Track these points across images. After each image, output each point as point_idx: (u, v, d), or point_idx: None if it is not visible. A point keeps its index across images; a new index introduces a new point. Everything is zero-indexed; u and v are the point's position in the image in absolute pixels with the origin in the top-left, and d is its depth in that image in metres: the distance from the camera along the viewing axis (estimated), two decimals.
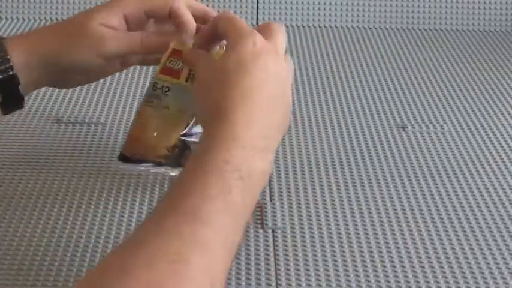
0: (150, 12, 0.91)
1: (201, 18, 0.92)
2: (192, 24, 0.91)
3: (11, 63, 0.87)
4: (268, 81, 0.78)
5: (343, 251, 0.86)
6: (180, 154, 0.90)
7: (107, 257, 0.66)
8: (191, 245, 0.65)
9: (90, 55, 0.89)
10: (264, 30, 0.81)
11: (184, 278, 0.63)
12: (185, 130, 0.89)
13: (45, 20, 1.53)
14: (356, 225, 0.91)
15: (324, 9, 1.57)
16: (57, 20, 1.53)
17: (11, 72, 0.86)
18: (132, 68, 1.16)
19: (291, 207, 0.94)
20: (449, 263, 0.85)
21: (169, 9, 0.91)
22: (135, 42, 0.90)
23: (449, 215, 0.94)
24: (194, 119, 0.89)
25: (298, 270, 0.83)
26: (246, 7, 1.56)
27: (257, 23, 1.55)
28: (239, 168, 0.72)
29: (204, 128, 0.79)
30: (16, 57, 0.87)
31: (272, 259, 0.85)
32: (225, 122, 0.74)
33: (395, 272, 0.83)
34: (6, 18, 1.53)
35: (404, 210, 0.95)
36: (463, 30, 1.57)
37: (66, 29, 0.90)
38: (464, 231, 0.91)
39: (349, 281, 0.82)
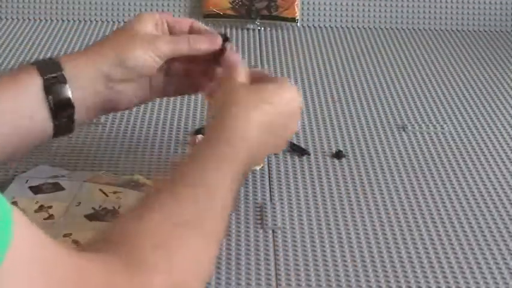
0: (173, 24, 0.98)
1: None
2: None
3: (63, 72, 0.90)
4: (282, 115, 0.91)
5: (343, 251, 0.86)
6: None
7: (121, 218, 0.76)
8: (203, 208, 0.77)
9: (145, 53, 0.92)
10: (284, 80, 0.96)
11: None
12: None
13: (45, 20, 1.53)
14: (356, 225, 0.91)
15: (324, 9, 1.57)
16: (57, 20, 1.53)
17: (63, 79, 0.90)
18: None
19: (291, 207, 0.94)
20: (449, 263, 0.85)
21: (191, 24, 0.99)
22: (184, 42, 0.95)
23: (449, 215, 0.94)
24: None
25: (298, 270, 0.83)
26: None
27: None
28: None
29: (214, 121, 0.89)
30: (68, 69, 0.91)
31: (272, 259, 0.85)
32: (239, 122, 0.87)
33: (395, 272, 0.83)
34: (6, 18, 1.53)
35: (404, 210, 0.94)
36: (463, 30, 1.57)
37: (118, 36, 0.95)
38: (464, 231, 0.91)
39: (349, 281, 0.82)
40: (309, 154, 1.05)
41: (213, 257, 0.76)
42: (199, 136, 1.05)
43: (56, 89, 0.89)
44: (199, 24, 0.99)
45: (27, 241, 0.60)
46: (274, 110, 0.90)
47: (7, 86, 0.89)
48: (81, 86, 0.91)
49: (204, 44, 0.96)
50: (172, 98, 1.19)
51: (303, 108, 0.97)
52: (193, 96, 1.21)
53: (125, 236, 0.72)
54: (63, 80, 0.90)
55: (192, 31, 0.98)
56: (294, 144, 1.06)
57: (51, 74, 0.89)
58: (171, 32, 0.98)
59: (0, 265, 0.56)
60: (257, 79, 0.94)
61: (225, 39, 0.97)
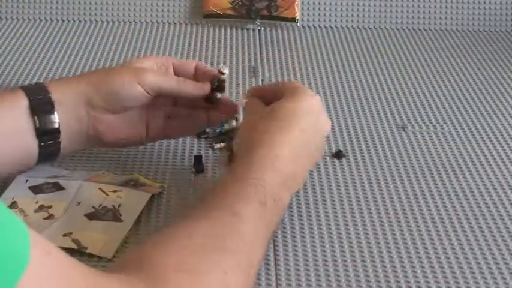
0: (176, 67, 0.99)
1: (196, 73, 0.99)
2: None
3: (49, 95, 0.91)
4: (309, 136, 0.89)
5: (343, 251, 0.86)
6: None
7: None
8: (233, 234, 0.76)
9: (130, 81, 0.92)
10: (296, 87, 0.93)
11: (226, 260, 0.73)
12: None
13: (45, 20, 1.53)
14: (356, 225, 0.91)
15: (324, 9, 1.57)
16: (57, 20, 1.53)
17: (49, 101, 0.90)
18: None
19: (291, 207, 0.94)
20: (449, 263, 0.85)
21: (195, 64, 0.99)
22: (172, 80, 0.95)
23: (449, 214, 0.94)
24: None
25: (298, 270, 0.83)
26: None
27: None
28: (271, 191, 0.83)
29: (243, 154, 0.87)
30: (53, 91, 0.91)
31: (272, 259, 0.85)
32: (268, 151, 0.85)
33: (395, 272, 0.83)
34: (6, 19, 1.53)
35: (404, 210, 0.94)
36: (463, 30, 1.57)
37: (109, 68, 0.97)
38: (464, 231, 0.91)
39: (349, 281, 0.82)
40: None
41: (246, 283, 0.75)
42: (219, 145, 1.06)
43: (41, 109, 0.90)
44: (203, 66, 1.00)
45: (48, 264, 0.59)
46: (297, 131, 0.88)
47: None
48: (65, 110, 0.91)
49: (190, 88, 0.96)
50: None
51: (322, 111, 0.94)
52: None
53: (148, 258, 0.70)
54: (49, 101, 0.90)
55: (196, 72, 0.99)
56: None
57: (37, 95, 0.90)
58: (176, 74, 0.98)
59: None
60: (272, 96, 0.93)
61: (219, 76, 0.98)
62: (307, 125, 0.89)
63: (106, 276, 0.66)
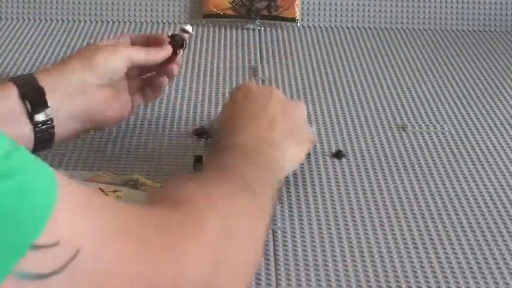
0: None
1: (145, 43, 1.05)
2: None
3: (39, 83, 0.94)
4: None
5: (343, 251, 0.86)
6: None
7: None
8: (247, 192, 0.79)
9: (111, 54, 0.98)
10: None
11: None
12: None
13: (45, 20, 1.53)
14: (356, 225, 0.91)
15: (324, 9, 1.57)
16: (57, 20, 1.53)
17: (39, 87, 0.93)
18: None
19: (291, 207, 0.94)
20: (449, 263, 0.85)
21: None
22: (140, 50, 1.01)
23: (449, 214, 0.94)
24: None
25: (298, 270, 0.83)
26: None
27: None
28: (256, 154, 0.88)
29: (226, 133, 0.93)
30: (43, 79, 0.94)
31: (272, 259, 0.85)
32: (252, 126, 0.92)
33: (395, 272, 0.83)
34: (6, 19, 1.53)
35: (404, 210, 0.95)
36: (463, 30, 1.57)
37: (81, 50, 1.00)
38: (464, 231, 0.91)
39: (349, 281, 0.82)
40: (309, 154, 1.05)
41: (264, 236, 0.78)
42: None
43: (31, 95, 0.92)
44: (154, 34, 1.09)
45: (74, 196, 0.61)
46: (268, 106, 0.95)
47: None
48: (57, 93, 0.94)
49: (157, 54, 1.03)
50: (172, 98, 1.19)
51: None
52: (193, 97, 1.21)
53: (186, 195, 0.74)
54: (38, 87, 0.93)
55: (149, 41, 1.05)
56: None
57: (26, 84, 0.93)
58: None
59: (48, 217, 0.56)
60: None
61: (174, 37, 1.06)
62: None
63: (137, 207, 0.68)
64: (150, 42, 1.05)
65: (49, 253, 0.56)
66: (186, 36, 1.06)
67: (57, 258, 0.56)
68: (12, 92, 0.92)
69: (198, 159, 1.01)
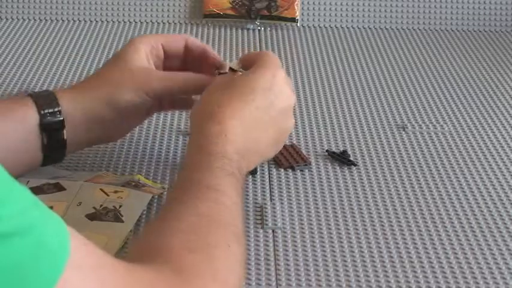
0: (166, 45, 0.98)
1: (199, 55, 1.00)
2: (215, 54, 1.01)
3: (60, 108, 0.91)
4: (264, 112, 0.90)
5: (343, 251, 0.86)
6: None
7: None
8: (221, 208, 0.78)
9: (138, 94, 0.93)
10: (266, 60, 0.93)
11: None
12: None
13: (45, 20, 1.53)
14: (356, 225, 0.91)
15: (324, 9, 1.57)
16: (57, 20, 1.53)
17: (59, 117, 0.91)
18: None
19: (291, 207, 0.94)
20: (449, 263, 0.85)
21: (185, 42, 0.99)
22: (178, 81, 0.96)
23: (449, 215, 0.94)
24: None
25: (298, 270, 0.83)
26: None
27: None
28: (232, 162, 0.85)
29: (197, 127, 0.88)
30: (65, 105, 0.92)
31: (272, 259, 0.85)
32: (218, 125, 0.86)
33: (396, 272, 0.83)
34: (6, 18, 1.53)
35: (404, 210, 0.95)
36: (463, 30, 1.57)
37: (111, 72, 0.95)
38: (464, 231, 0.91)
39: (349, 281, 0.82)
40: (355, 165, 1.03)
41: (244, 253, 0.77)
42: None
43: (51, 127, 0.91)
44: (194, 40, 1.01)
45: (85, 257, 0.60)
46: (249, 105, 0.89)
47: (4, 113, 0.90)
48: (74, 125, 0.92)
49: (197, 84, 0.95)
50: None
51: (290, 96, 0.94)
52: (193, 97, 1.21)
53: (160, 244, 0.72)
54: (59, 118, 0.91)
55: (187, 48, 0.99)
56: (335, 153, 1.05)
57: (48, 109, 0.91)
58: (166, 54, 0.99)
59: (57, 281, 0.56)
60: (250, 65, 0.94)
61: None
62: (262, 101, 0.89)
63: (139, 268, 0.67)
64: (203, 58, 0.99)
65: None
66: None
67: None
68: (32, 117, 0.90)
69: None
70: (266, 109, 0.90)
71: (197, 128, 0.88)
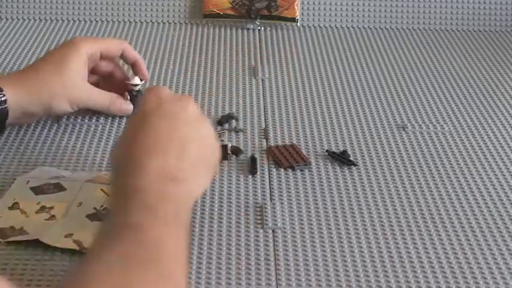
0: (105, 51, 1.10)
1: (131, 64, 1.14)
2: (143, 64, 1.15)
3: (5, 98, 1.02)
4: (174, 124, 0.83)
5: (343, 251, 0.86)
6: None
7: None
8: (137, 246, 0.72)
9: (65, 105, 1.06)
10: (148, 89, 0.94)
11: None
12: None
13: (45, 20, 1.53)
14: (356, 225, 0.91)
15: (324, 9, 1.57)
16: (57, 20, 1.53)
17: (5, 105, 1.01)
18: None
19: (291, 207, 0.94)
20: (449, 263, 0.85)
21: (122, 49, 1.12)
22: (104, 103, 1.10)
23: (449, 214, 0.94)
24: None
25: (298, 270, 0.83)
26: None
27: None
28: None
29: (116, 177, 0.81)
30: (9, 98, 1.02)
31: (272, 259, 0.85)
32: (131, 161, 0.79)
33: (396, 272, 0.83)
34: (6, 18, 1.53)
35: (404, 210, 0.95)
36: (463, 30, 1.57)
37: (52, 84, 1.05)
38: (465, 231, 0.91)
39: (349, 280, 0.82)
40: (356, 165, 1.04)
41: None
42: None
43: None
44: (129, 49, 1.13)
45: None
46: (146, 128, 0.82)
47: None
48: (11, 115, 1.03)
49: (121, 111, 1.12)
50: None
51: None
52: (192, 97, 1.21)
53: None
54: (4, 106, 1.01)
55: (122, 55, 1.12)
56: (335, 153, 1.05)
57: None
58: (102, 58, 1.11)
59: None
60: None
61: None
62: (156, 121, 0.82)
63: None
64: (135, 69, 1.14)
65: None
66: (135, 88, 1.13)
67: None
68: None
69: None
70: (164, 126, 0.83)
71: (115, 170, 0.83)
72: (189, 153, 0.81)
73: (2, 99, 1.00)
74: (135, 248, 0.71)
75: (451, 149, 1.09)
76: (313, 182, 1.00)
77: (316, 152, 1.07)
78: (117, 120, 1.12)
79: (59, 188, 0.93)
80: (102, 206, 0.89)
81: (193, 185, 0.81)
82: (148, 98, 0.85)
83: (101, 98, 1.10)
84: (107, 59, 1.12)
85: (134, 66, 1.14)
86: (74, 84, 1.06)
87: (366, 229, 0.90)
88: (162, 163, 0.79)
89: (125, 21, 1.54)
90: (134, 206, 0.75)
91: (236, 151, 1.04)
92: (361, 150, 1.08)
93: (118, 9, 1.55)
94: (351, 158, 1.05)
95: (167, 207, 0.76)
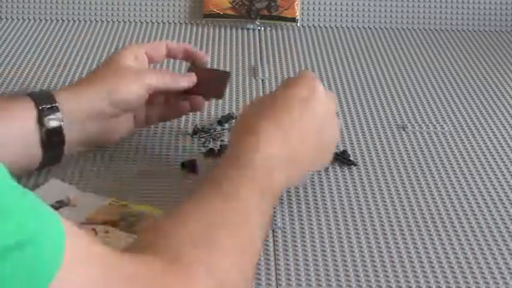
0: (150, 52, 1.03)
1: (183, 55, 1.07)
2: (196, 50, 1.08)
3: (57, 104, 0.94)
4: (306, 122, 0.89)
5: (343, 251, 0.86)
6: None
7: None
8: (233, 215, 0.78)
9: (136, 87, 0.98)
10: (303, 75, 0.95)
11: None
12: None
13: (45, 20, 1.53)
14: (356, 225, 0.91)
15: (324, 9, 1.57)
16: (57, 20, 1.53)
17: (57, 112, 0.94)
18: None
19: (291, 207, 0.94)
20: (450, 263, 0.85)
21: (165, 45, 1.05)
22: (167, 77, 1.01)
23: (449, 214, 0.94)
24: None
25: (298, 270, 0.83)
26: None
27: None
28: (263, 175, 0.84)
29: (233, 141, 0.89)
30: (63, 102, 0.95)
31: (272, 259, 0.85)
32: (254, 136, 0.86)
33: (396, 272, 0.83)
34: (6, 18, 1.53)
35: (404, 210, 0.95)
36: (463, 30, 1.57)
37: (106, 70, 0.99)
38: (465, 231, 0.91)
39: (349, 280, 0.82)
40: (356, 165, 1.04)
41: (252, 261, 0.77)
42: None
43: (48, 121, 0.93)
44: (173, 43, 1.07)
45: (81, 248, 0.63)
46: (290, 119, 0.89)
47: (3, 111, 0.93)
48: (72, 121, 0.95)
49: (183, 82, 1.02)
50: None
51: (331, 105, 0.94)
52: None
53: (163, 237, 0.73)
54: (57, 112, 0.93)
55: (169, 51, 1.06)
56: (335, 153, 1.04)
57: (45, 104, 0.93)
58: (150, 60, 1.04)
59: (55, 275, 0.59)
60: None
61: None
62: (300, 112, 0.90)
63: (128, 256, 0.68)
64: (188, 56, 1.07)
65: None
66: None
67: None
68: (31, 114, 0.93)
69: (185, 165, 1.01)
70: (304, 119, 0.90)
71: (233, 142, 0.89)
72: (308, 154, 0.90)
73: (53, 105, 0.94)
74: (230, 214, 0.78)
75: (451, 149, 1.09)
76: (313, 182, 1.00)
77: None
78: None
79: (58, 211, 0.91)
80: None
81: (299, 172, 0.90)
82: (303, 82, 0.92)
83: (162, 70, 1.04)
84: (156, 61, 1.06)
85: (188, 55, 1.08)
86: (126, 67, 0.99)
87: (366, 229, 0.90)
88: (279, 150, 0.87)
89: (124, 21, 1.54)
90: (239, 179, 0.82)
91: None
92: (361, 150, 1.08)
93: (118, 9, 1.55)
94: (351, 158, 1.05)
95: (267, 189, 0.83)
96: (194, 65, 1.08)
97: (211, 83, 1.05)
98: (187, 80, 1.02)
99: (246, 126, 0.89)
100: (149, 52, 1.04)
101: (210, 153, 1.04)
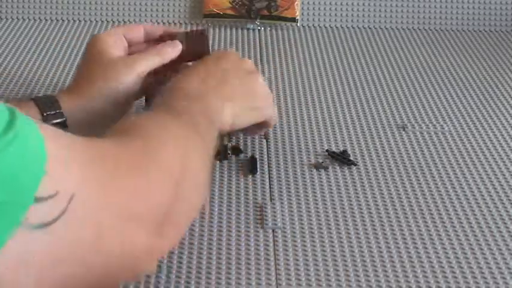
0: (128, 34, 1.04)
1: (161, 36, 1.07)
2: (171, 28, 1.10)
3: (61, 110, 0.95)
4: (223, 67, 0.98)
5: (343, 251, 0.86)
6: None
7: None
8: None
9: (130, 78, 0.99)
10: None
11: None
12: None
13: (45, 20, 1.53)
14: (356, 225, 0.91)
15: (324, 9, 1.57)
16: (57, 20, 1.53)
17: (62, 117, 0.95)
18: None
19: (291, 207, 0.94)
20: (449, 263, 0.85)
21: (142, 28, 1.06)
22: (156, 57, 1.02)
23: (449, 214, 0.94)
24: None
25: (298, 270, 0.83)
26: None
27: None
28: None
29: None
30: (65, 107, 0.96)
31: (272, 259, 0.85)
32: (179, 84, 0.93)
33: (396, 272, 0.83)
34: (6, 18, 1.54)
35: (404, 210, 0.95)
36: (463, 30, 1.57)
37: (97, 65, 1.00)
38: (465, 231, 0.91)
39: (349, 280, 0.82)
40: (356, 165, 1.04)
41: (209, 169, 0.82)
42: None
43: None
44: (151, 25, 1.09)
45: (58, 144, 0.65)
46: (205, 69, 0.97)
47: None
48: (77, 124, 0.95)
49: (171, 53, 1.03)
50: None
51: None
52: None
53: (134, 129, 0.79)
54: (61, 117, 0.95)
55: (147, 33, 1.06)
56: (335, 153, 1.05)
57: (50, 111, 0.94)
58: (129, 42, 1.04)
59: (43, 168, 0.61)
60: None
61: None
62: (219, 62, 0.99)
63: (104, 139, 0.75)
64: (165, 37, 1.06)
65: (50, 203, 0.61)
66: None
67: (57, 206, 0.62)
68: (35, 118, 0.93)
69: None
70: (215, 66, 0.98)
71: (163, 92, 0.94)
72: (230, 83, 0.96)
73: (57, 111, 0.95)
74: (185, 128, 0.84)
75: (451, 149, 1.10)
76: (313, 181, 1.00)
77: (316, 152, 1.07)
78: None
79: None
80: None
81: (229, 109, 0.94)
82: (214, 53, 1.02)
83: (148, 50, 1.04)
84: (135, 43, 1.06)
85: (164, 36, 1.08)
86: (112, 57, 1.00)
87: (366, 229, 0.90)
88: (204, 82, 0.94)
89: (124, 21, 1.54)
90: (177, 97, 0.91)
91: (236, 151, 1.04)
92: (361, 150, 1.08)
93: (118, 9, 1.55)
94: (351, 158, 1.05)
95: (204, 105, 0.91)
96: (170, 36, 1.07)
97: (194, 43, 1.05)
98: (173, 50, 1.03)
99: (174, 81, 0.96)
100: (128, 35, 1.04)
101: None
